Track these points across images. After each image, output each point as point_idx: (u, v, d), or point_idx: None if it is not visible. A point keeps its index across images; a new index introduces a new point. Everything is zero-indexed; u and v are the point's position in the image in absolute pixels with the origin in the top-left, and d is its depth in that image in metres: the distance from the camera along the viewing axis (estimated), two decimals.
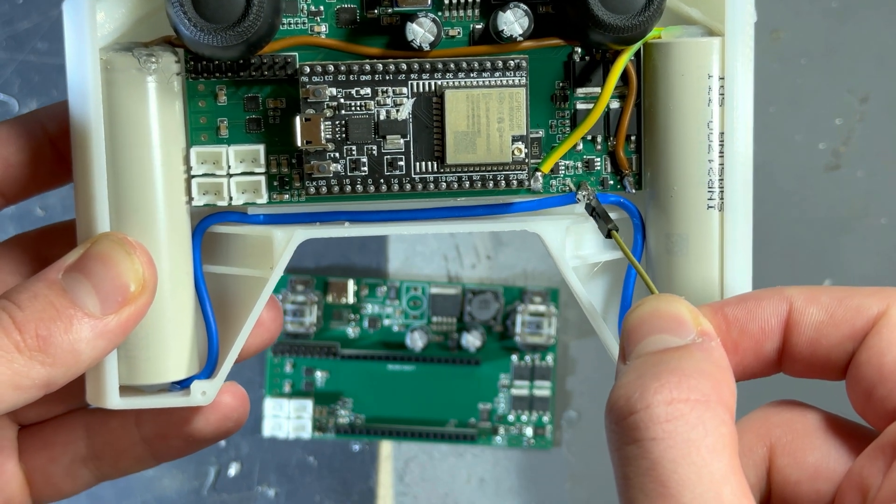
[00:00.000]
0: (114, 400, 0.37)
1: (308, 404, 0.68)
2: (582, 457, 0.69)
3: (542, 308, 0.67)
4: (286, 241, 0.37)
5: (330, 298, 0.68)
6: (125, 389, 0.37)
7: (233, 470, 0.68)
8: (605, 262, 0.39)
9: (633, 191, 0.38)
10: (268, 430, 0.68)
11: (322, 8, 0.37)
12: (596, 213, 0.37)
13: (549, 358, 0.68)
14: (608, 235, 0.36)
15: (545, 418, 0.68)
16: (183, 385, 0.38)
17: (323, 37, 0.37)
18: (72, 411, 0.40)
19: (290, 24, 0.37)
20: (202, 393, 0.37)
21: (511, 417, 0.68)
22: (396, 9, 0.37)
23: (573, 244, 0.38)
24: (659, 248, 0.38)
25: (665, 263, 0.38)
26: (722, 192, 0.37)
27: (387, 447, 0.69)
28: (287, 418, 0.68)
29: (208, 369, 0.38)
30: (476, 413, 0.68)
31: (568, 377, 0.69)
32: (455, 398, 0.68)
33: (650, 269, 0.38)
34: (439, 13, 0.37)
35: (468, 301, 0.68)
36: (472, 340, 0.67)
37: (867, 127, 0.67)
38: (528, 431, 0.68)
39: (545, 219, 0.38)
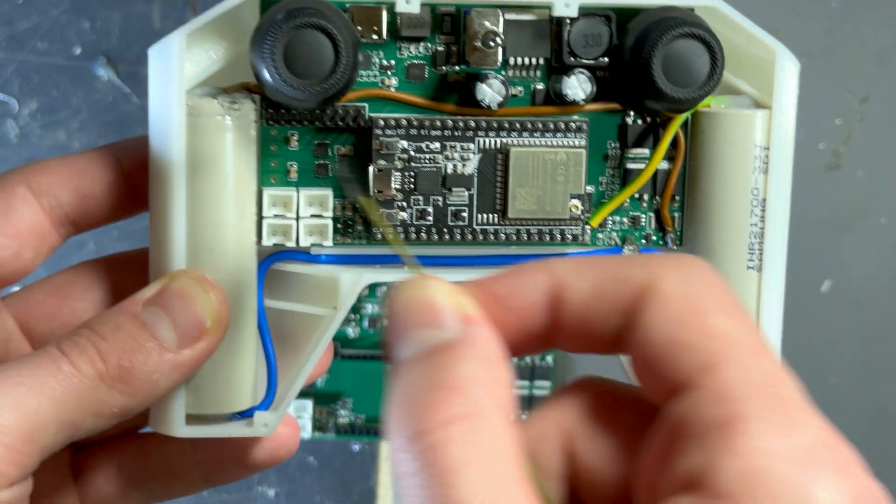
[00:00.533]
0: (180, 428, 0.38)
1: (308, 404, 0.68)
2: None
3: None
4: (352, 284, 0.39)
5: None
6: (189, 418, 0.39)
7: None
8: None
9: (675, 248, 0.41)
10: None
11: (393, 62, 0.39)
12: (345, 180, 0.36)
13: (549, 358, 0.69)
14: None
15: None
16: (244, 415, 0.39)
17: (393, 90, 0.39)
18: (127, 433, 0.41)
19: (362, 76, 0.39)
20: (264, 424, 0.39)
21: None
22: (464, 68, 0.39)
23: None
24: None
25: None
26: (761, 253, 0.39)
27: (387, 447, 0.70)
28: None
29: (268, 401, 0.40)
30: None
31: (568, 377, 0.69)
32: None
33: None
34: (503, 72, 0.39)
35: None
36: None
37: (867, 127, 0.68)
38: None
39: None
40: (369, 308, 0.69)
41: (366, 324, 0.69)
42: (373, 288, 0.68)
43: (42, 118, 0.67)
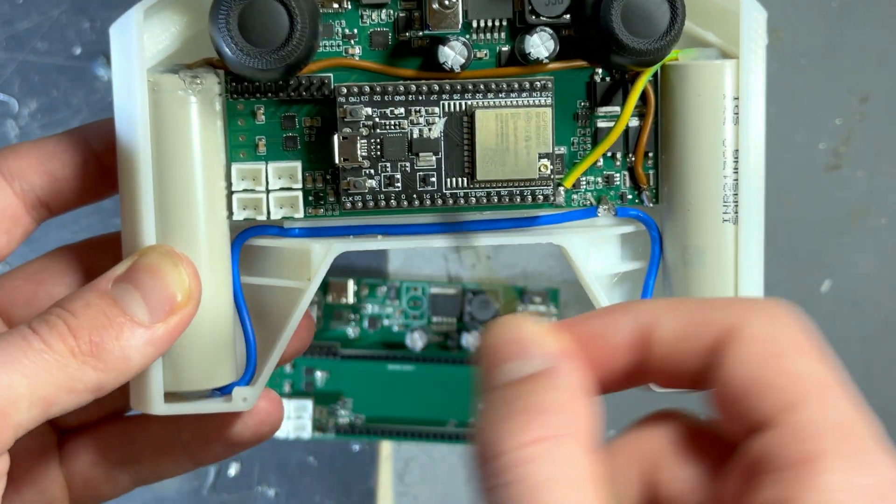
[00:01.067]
0: (159, 406, 0.38)
1: (308, 404, 0.68)
2: None
3: (542, 308, 0.68)
4: (324, 254, 0.39)
5: (330, 298, 0.68)
6: (168, 396, 0.39)
7: (233, 470, 0.69)
8: (624, 272, 0.41)
9: (651, 205, 0.40)
10: None
11: (356, 31, 0.39)
12: None
13: None
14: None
15: None
16: (223, 392, 0.39)
17: (357, 59, 0.39)
18: (112, 416, 0.41)
19: (325, 46, 0.39)
20: (243, 399, 0.39)
21: None
22: (427, 32, 0.38)
23: (595, 255, 0.40)
24: (676, 260, 0.40)
25: (682, 275, 0.40)
26: (736, 206, 0.39)
27: (387, 447, 0.69)
28: (287, 418, 0.68)
29: (247, 376, 0.40)
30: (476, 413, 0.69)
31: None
32: (455, 398, 0.69)
33: (668, 280, 0.40)
34: (467, 36, 0.39)
35: (468, 301, 0.69)
36: (472, 340, 0.68)
37: (867, 127, 0.68)
38: None
39: (569, 231, 0.40)
40: (369, 308, 0.69)
41: (366, 324, 0.69)
42: (372, 288, 0.69)
43: (42, 118, 0.67)
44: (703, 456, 0.30)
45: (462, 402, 0.69)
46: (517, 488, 0.27)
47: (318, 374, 0.69)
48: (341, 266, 0.69)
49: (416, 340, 0.68)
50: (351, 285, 0.69)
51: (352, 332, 0.69)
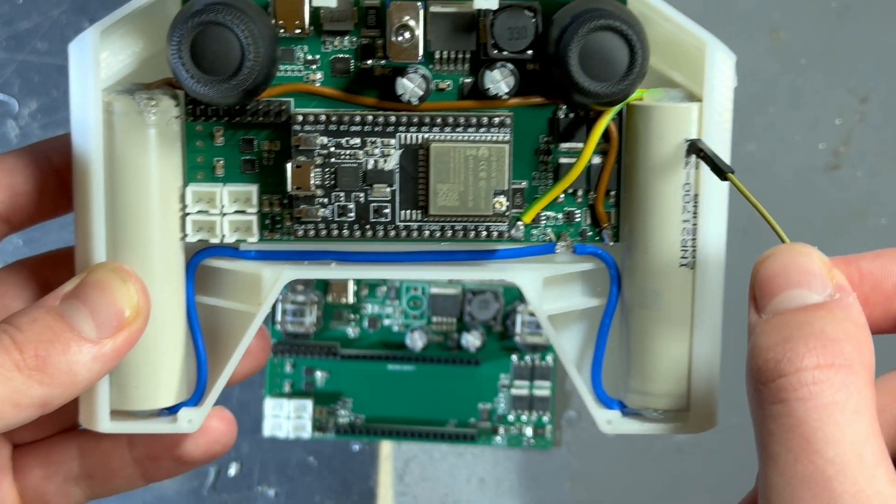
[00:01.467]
0: (104, 424, 0.38)
1: (308, 404, 0.69)
2: (582, 457, 0.70)
3: None
4: (274, 281, 0.39)
5: (330, 298, 0.68)
6: (116, 413, 0.39)
7: (233, 470, 0.69)
8: (581, 310, 0.41)
9: (611, 243, 0.40)
10: (268, 430, 0.69)
11: (318, 57, 0.39)
12: (705, 157, 0.36)
13: (549, 358, 0.69)
14: (724, 178, 0.36)
15: (545, 418, 0.69)
16: (172, 411, 0.39)
17: (318, 84, 0.39)
18: (65, 431, 0.42)
19: (286, 70, 0.39)
20: (188, 421, 0.39)
21: (511, 417, 0.69)
22: (388, 62, 0.38)
23: (552, 293, 0.40)
24: (633, 301, 0.39)
25: (639, 316, 0.39)
26: (695, 251, 0.38)
27: (387, 447, 0.69)
28: (287, 418, 0.68)
29: (196, 396, 0.40)
30: (476, 413, 0.69)
31: (568, 377, 0.69)
32: (455, 398, 0.69)
33: (625, 320, 0.40)
34: (430, 66, 0.38)
35: (468, 301, 0.68)
36: (472, 340, 0.68)
37: (867, 127, 0.67)
38: (528, 431, 0.69)
39: (525, 268, 0.39)
40: (369, 308, 0.69)
41: (366, 324, 0.69)
42: (372, 288, 0.69)
43: (42, 118, 0.68)
44: None
45: (462, 402, 0.69)
46: (801, 406, 0.29)
47: (318, 374, 0.69)
48: None
49: (416, 340, 0.68)
50: (351, 285, 0.69)
51: (352, 332, 0.69)
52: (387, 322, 0.69)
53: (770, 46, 0.67)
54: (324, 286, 0.69)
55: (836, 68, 0.67)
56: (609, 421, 0.40)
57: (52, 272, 0.40)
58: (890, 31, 0.67)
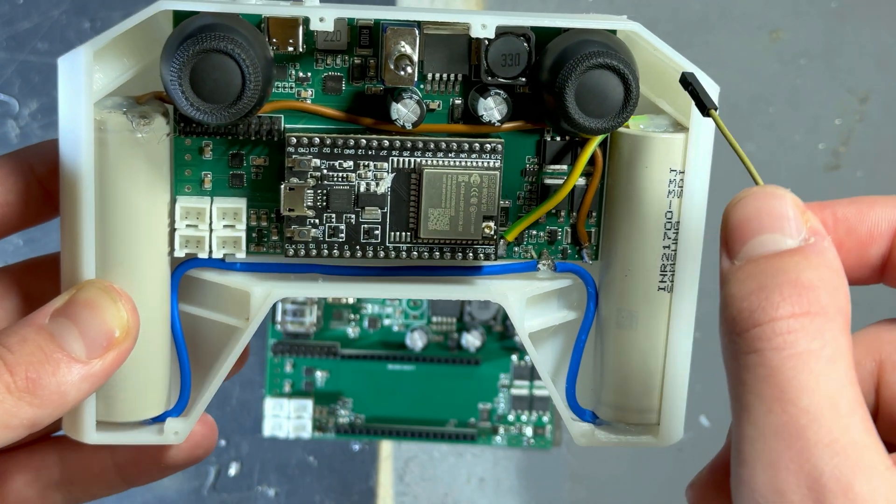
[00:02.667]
0: (91, 435, 0.39)
1: (308, 404, 0.69)
2: (582, 457, 0.71)
3: None
4: (263, 299, 0.39)
5: (330, 298, 0.68)
6: (102, 424, 0.39)
7: (233, 470, 0.69)
8: (558, 324, 0.42)
9: (591, 262, 0.41)
10: (268, 429, 0.69)
11: (310, 74, 0.39)
12: (692, 91, 0.36)
13: None
14: (706, 114, 0.35)
15: (545, 418, 0.70)
16: (157, 420, 0.40)
17: (309, 102, 0.39)
18: (45, 437, 0.42)
19: (278, 87, 0.38)
20: (175, 433, 0.39)
21: (511, 417, 0.70)
22: (384, 85, 0.38)
23: (533, 312, 0.41)
24: (609, 320, 0.41)
25: (614, 335, 0.41)
26: (673, 276, 0.39)
27: (387, 447, 0.70)
28: (287, 418, 0.69)
29: (181, 406, 0.40)
30: (476, 413, 0.69)
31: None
32: (455, 398, 0.69)
33: (600, 336, 0.41)
34: (421, 87, 0.39)
35: (468, 301, 0.68)
36: (472, 340, 0.68)
37: (867, 127, 0.68)
38: (528, 431, 0.70)
39: (508, 287, 0.40)
40: (369, 308, 0.69)
41: (366, 324, 0.69)
42: None
43: (42, 118, 0.67)
44: None
45: (462, 402, 0.69)
46: (776, 356, 0.28)
47: (318, 374, 0.69)
48: None
49: (416, 340, 0.68)
50: None
51: (352, 332, 0.69)
52: (387, 322, 0.69)
53: (770, 46, 0.67)
54: None
55: (836, 68, 0.68)
56: (583, 434, 0.41)
57: (34, 281, 0.40)
58: (890, 31, 0.68)
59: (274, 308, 0.68)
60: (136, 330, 0.37)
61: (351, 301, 0.69)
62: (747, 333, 0.29)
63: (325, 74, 0.39)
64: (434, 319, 0.69)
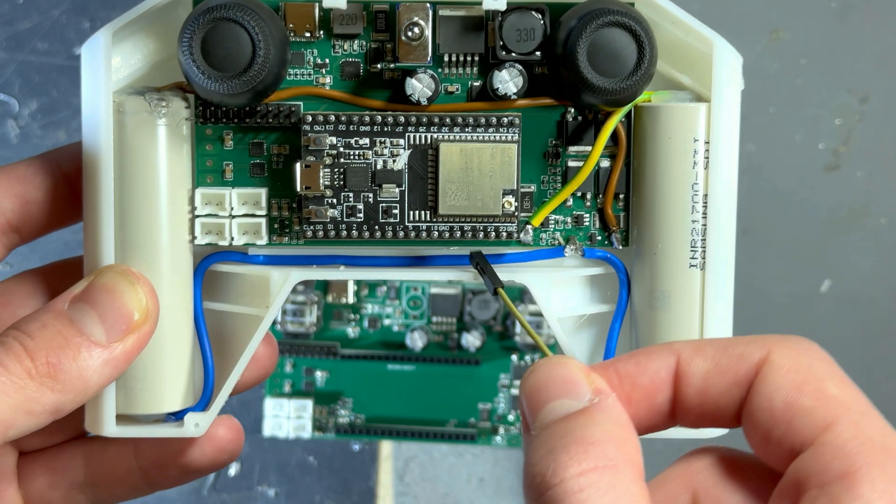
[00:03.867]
0: (110, 428, 0.38)
1: (308, 404, 0.68)
2: None
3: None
4: (282, 282, 0.38)
5: (330, 298, 0.68)
6: (122, 418, 0.38)
7: (233, 470, 0.68)
8: (591, 314, 0.40)
9: (620, 247, 0.40)
10: (268, 429, 0.68)
11: (327, 60, 0.39)
12: (482, 269, 0.38)
13: None
14: (494, 293, 0.37)
15: None
16: (178, 416, 0.39)
17: (327, 88, 0.39)
18: (71, 439, 0.41)
19: (296, 74, 0.39)
20: (195, 425, 0.39)
21: (511, 417, 0.69)
22: (398, 64, 0.38)
23: (561, 296, 0.40)
24: (642, 304, 0.39)
25: (648, 319, 0.39)
26: (704, 251, 0.38)
27: (387, 447, 0.69)
28: (287, 418, 0.68)
29: (203, 402, 0.39)
30: (476, 413, 0.69)
31: None
32: (455, 398, 0.68)
33: (634, 323, 0.40)
34: (439, 70, 0.39)
35: (468, 301, 0.68)
36: (472, 340, 0.68)
37: (867, 127, 0.68)
38: None
39: (534, 270, 0.39)
40: (369, 308, 0.68)
41: (366, 324, 0.68)
42: (372, 288, 0.68)
43: (42, 118, 0.68)
44: (745, 485, 0.32)
45: (462, 402, 0.68)
46: None
47: (318, 374, 0.69)
48: None
49: (416, 340, 0.68)
50: (351, 285, 0.68)
51: (352, 332, 0.69)
52: (387, 322, 0.69)
53: (770, 46, 0.67)
54: (324, 286, 0.68)
55: (836, 68, 0.68)
56: None
57: (60, 281, 0.40)
58: (890, 31, 0.68)
59: None
60: (156, 313, 0.37)
61: (351, 301, 0.68)
62: (542, 497, 0.30)
63: (343, 60, 0.39)
64: (434, 319, 0.69)
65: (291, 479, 0.68)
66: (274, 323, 0.67)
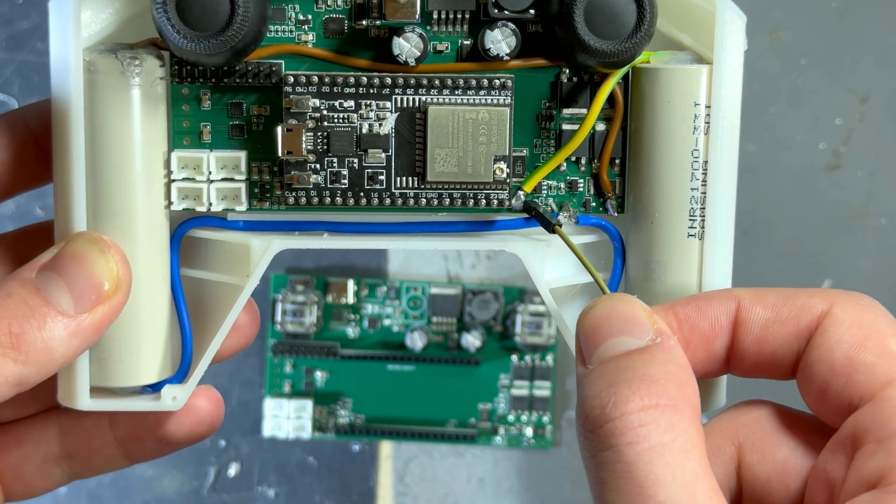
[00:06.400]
0: (84, 401, 0.37)
1: (308, 404, 0.68)
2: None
3: (542, 308, 0.67)
4: (263, 251, 0.37)
5: (330, 298, 0.68)
6: (96, 391, 0.37)
7: (233, 470, 0.68)
8: (583, 284, 0.39)
9: (616, 214, 0.38)
10: (268, 430, 0.68)
11: (310, 17, 0.37)
12: (536, 213, 0.36)
13: (549, 358, 0.68)
14: (552, 231, 0.36)
15: (545, 418, 0.68)
16: (155, 388, 0.38)
17: (310, 46, 0.37)
18: (45, 410, 0.40)
19: (277, 31, 0.37)
20: (172, 398, 0.37)
21: (511, 417, 0.68)
22: (384, 21, 0.36)
23: (553, 265, 0.38)
24: (638, 274, 0.38)
25: (643, 289, 0.37)
26: (703, 220, 0.36)
27: (387, 447, 0.69)
28: (287, 418, 0.68)
29: (181, 373, 0.38)
30: (476, 413, 0.68)
31: (568, 377, 0.69)
32: (455, 398, 0.68)
33: (629, 293, 0.38)
34: (428, 28, 0.37)
35: (468, 301, 0.68)
36: (472, 340, 0.67)
37: (867, 127, 0.67)
38: (528, 431, 0.68)
39: (525, 239, 0.38)
40: (369, 308, 0.68)
41: (366, 324, 0.68)
42: (372, 288, 0.67)
43: None
44: (792, 438, 0.32)
45: (462, 402, 0.68)
46: (630, 450, 0.29)
47: (318, 374, 0.68)
48: (341, 266, 0.68)
49: (416, 340, 0.67)
50: (351, 285, 0.68)
51: (352, 332, 0.68)
52: (387, 322, 0.68)
53: (770, 46, 0.66)
54: (324, 286, 0.68)
55: (836, 68, 0.67)
56: None
57: (31, 248, 0.38)
58: (890, 31, 0.67)
59: (273, 308, 0.67)
60: (128, 283, 0.35)
61: (351, 301, 0.67)
62: (601, 430, 0.30)
63: (326, 17, 0.37)
64: (434, 319, 0.68)
65: (291, 480, 0.68)
66: (273, 323, 0.66)
